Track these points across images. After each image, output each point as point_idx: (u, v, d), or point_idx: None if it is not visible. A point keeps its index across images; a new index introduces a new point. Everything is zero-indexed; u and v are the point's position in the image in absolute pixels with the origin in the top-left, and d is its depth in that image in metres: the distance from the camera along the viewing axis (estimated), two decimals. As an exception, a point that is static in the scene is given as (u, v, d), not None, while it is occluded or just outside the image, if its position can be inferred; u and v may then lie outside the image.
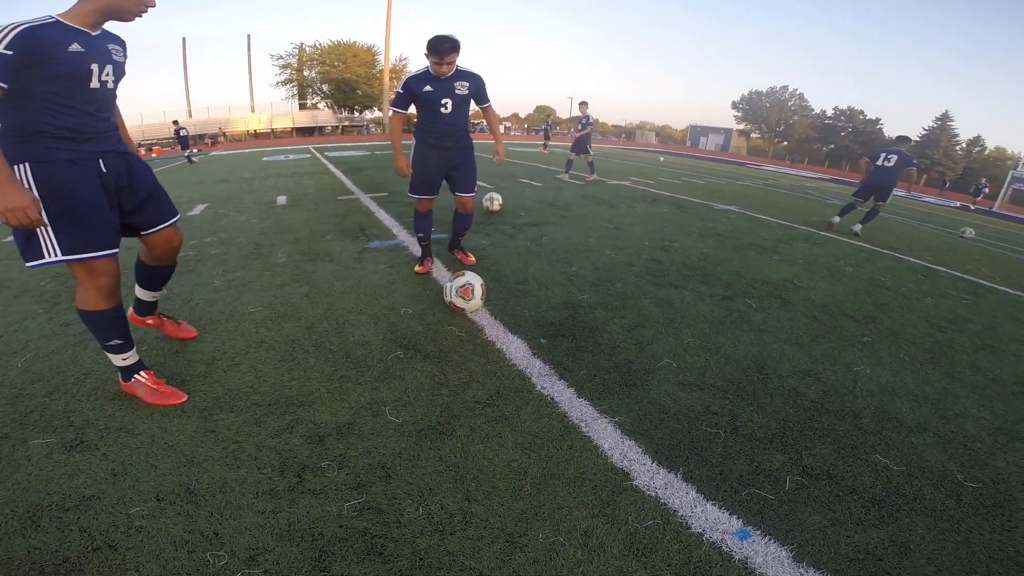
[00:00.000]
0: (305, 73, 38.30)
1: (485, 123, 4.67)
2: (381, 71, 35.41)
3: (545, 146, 22.56)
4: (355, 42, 38.49)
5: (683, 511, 1.63)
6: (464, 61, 3.27)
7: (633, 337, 2.86)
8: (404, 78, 3.32)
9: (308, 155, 16.75)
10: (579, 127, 10.83)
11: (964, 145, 47.75)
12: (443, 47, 3.06)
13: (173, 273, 2.41)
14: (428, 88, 3.19)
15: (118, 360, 2.04)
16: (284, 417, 2.01)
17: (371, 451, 1.83)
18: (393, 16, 29.70)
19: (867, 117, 52.82)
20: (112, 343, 1.98)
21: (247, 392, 2.17)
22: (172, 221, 2.20)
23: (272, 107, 38.50)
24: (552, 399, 2.20)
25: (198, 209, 6.47)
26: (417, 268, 3.78)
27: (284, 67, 38.02)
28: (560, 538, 1.50)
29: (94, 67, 1.72)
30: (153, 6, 1.83)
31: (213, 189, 8.70)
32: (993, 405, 2.53)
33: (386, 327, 2.81)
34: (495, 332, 2.81)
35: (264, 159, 16.08)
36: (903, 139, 7.10)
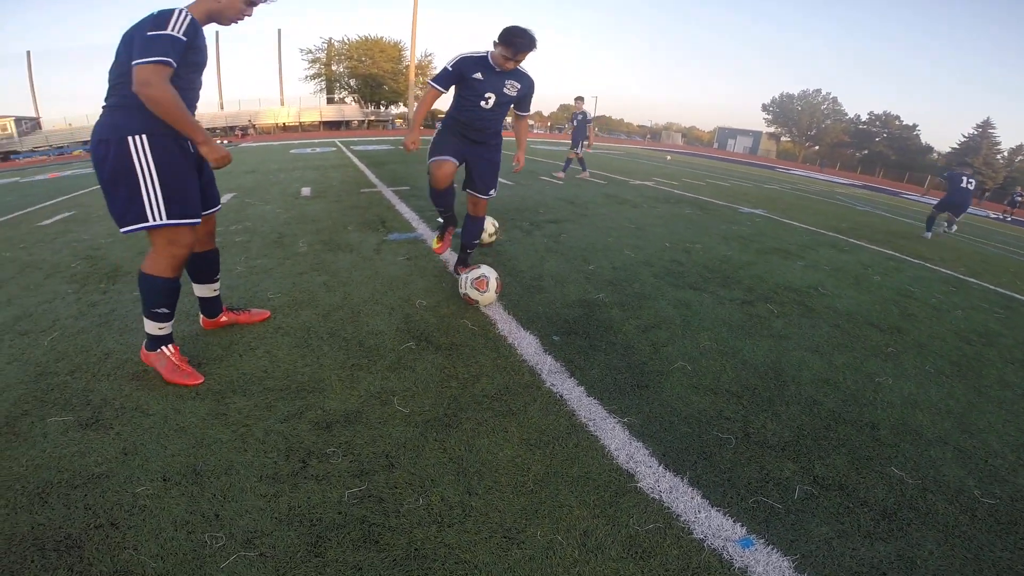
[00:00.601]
0: (333, 68, 38.67)
1: (511, 124, 3.52)
2: (407, 67, 35.61)
3: (586, 145, 22.11)
4: (382, 37, 38.78)
5: (686, 516, 1.59)
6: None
7: (648, 338, 2.82)
8: (459, 54, 2.94)
9: (334, 148, 16.96)
10: (572, 123, 10.56)
11: (1006, 154, 46.10)
12: (520, 42, 2.73)
13: (218, 258, 2.47)
14: (478, 75, 2.88)
15: (154, 328, 2.09)
16: (294, 403, 2.03)
17: (376, 440, 1.84)
18: (420, 12, 29.80)
19: (903, 123, 51.34)
20: (159, 310, 2.06)
21: (260, 377, 2.20)
22: (219, 207, 2.41)
23: (300, 101, 39.04)
24: (561, 396, 2.18)
25: (226, 198, 6.60)
26: (435, 245, 3.57)
27: (313, 61, 38.45)
28: (558, 537, 1.48)
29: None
30: (251, 16, 2.14)
31: (241, 180, 8.86)
32: (1020, 421, 2.44)
33: (400, 318, 2.83)
34: (508, 327, 2.80)
35: (291, 151, 16.34)
36: (967, 163, 7.44)
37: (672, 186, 10.68)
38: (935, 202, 8.97)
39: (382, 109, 41.08)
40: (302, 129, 36.21)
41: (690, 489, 1.71)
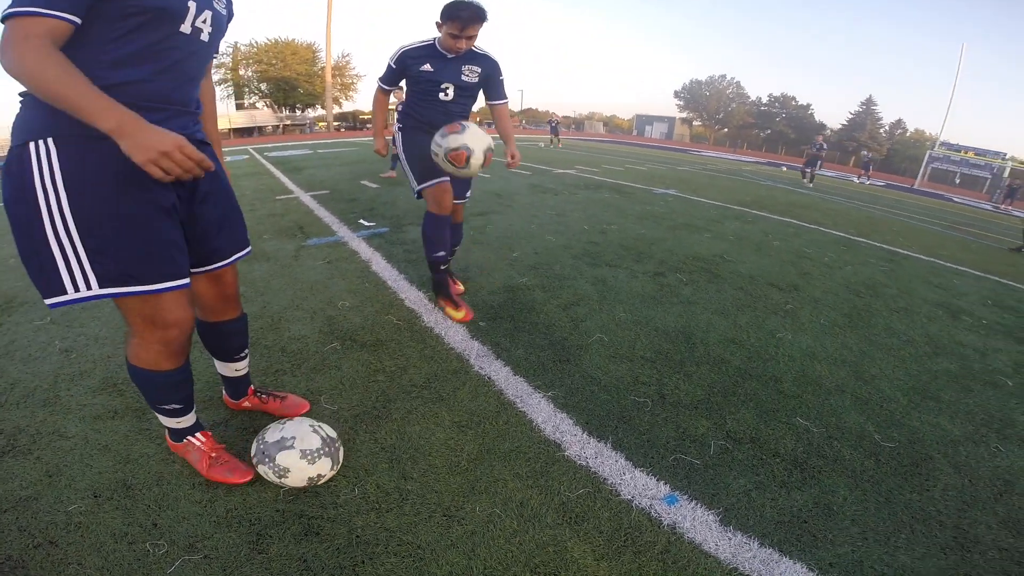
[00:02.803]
0: (241, 72, 36.78)
1: (494, 121, 3.05)
2: (323, 68, 34.45)
3: (556, 142, 21.82)
4: (294, 39, 37.28)
5: (612, 479, 1.69)
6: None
7: (568, 315, 2.94)
8: (400, 48, 2.59)
9: (246, 156, 16.09)
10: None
11: (887, 128, 50.65)
12: (465, 14, 2.34)
13: (245, 329, 1.81)
14: (427, 67, 2.52)
15: (170, 422, 1.60)
16: (219, 412, 1.97)
17: (305, 439, 1.82)
18: (334, 12, 28.89)
19: (799, 103, 55.24)
20: (168, 407, 1.53)
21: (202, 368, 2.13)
22: (243, 253, 1.63)
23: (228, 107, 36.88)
24: (489, 378, 2.24)
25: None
26: (456, 314, 2.78)
27: (218, 67, 36.43)
28: (496, 510, 1.54)
29: (191, 4, 1.21)
30: None
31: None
32: (907, 366, 2.71)
33: (323, 321, 2.78)
34: (434, 319, 2.82)
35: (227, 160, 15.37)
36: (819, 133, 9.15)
37: (593, 173, 11.00)
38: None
39: (298, 113, 39.50)
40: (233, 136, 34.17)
41: (614, 453, 1.81)
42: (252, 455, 1.58)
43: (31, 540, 1.40)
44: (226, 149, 21.27)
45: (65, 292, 1.22)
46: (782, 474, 1.78)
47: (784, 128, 53.77)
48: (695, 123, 61.42)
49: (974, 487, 1.81)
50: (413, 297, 3.13)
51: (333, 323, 2.76)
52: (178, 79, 1.28)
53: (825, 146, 14.45)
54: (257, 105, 38.41)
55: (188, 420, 1.61)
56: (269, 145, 22.21)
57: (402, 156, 2.74)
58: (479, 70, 2.62)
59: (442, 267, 2.83)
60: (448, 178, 2.66)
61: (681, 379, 2.33)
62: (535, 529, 1.49)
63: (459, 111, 2.70)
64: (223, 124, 34.84)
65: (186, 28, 1.23)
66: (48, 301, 1.22)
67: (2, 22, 1.04)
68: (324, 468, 1.54)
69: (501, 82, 2.74)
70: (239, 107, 37.79)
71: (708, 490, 1.68)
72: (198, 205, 1.43)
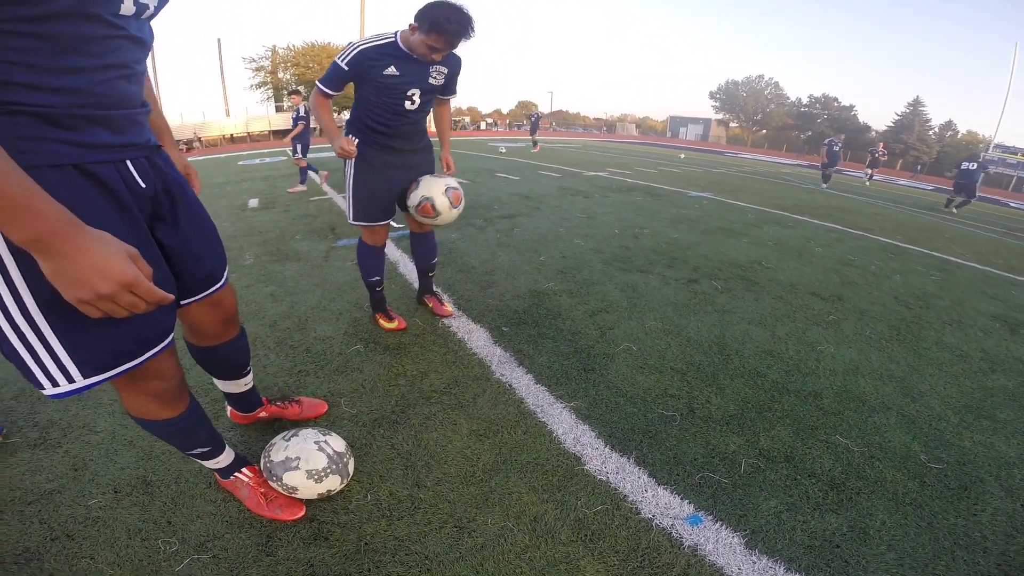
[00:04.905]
0: (280, 75, 37.79)
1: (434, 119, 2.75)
2: (358, 71, 35.18)
3: (536, 144, 18.39)
4: (329, 43, 38.10)
5: (634, 496, 1.61)
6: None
7: (595, 322, 2.85)
8: (355, 46, 2.15)
9: (284, 157, 16.54)
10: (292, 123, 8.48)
11: (937, 130, 48.50)
12: (453, 29, 1.99)
13: (247, 345, 1.64)
14: (391, 71, 2.13)
15: (209, 464, 1.47)
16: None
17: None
18: (367, 14, 29.44)
19: (841, 104, 53.45)
20: (195, 451, 1.39)
21: (207, 388, 2.12)
22: (223, 283, 1.38)
23: (247, 110, 37.88)
24: (510, 386, 2.18)
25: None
26: (392, 325, 2.69)
27: (257, 70, 37.47)
28: (509, 523, 1.49)
29: None
30: None
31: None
32: (959, 382, 2.53)
33: (348, 322, 2.78)
34: (458, 322, 2.78)
35: (239, 163, 15.83)
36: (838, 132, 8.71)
37: (624, 175, 10.84)
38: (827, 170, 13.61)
39: (335, 115, 40.44)
40: (251, 139, 35.16)
41: (636, 469, 1.73)
42: (260, 469, 1.55)
43: (50, 533, 1.43)
44: (265, 150, 21.93)
45: (43, 387, 0.95)
46: (816, 496, 1.67)
47: (826, 130, 52.01)
48: (731, 125, 60.09)
49: None
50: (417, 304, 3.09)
51: (358, 325, 2.75)
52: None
53: (840, 144, 13.95)
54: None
55: (227, 458, 1.49)
56: (312, 146, 22.73)
57: (349, 183, 2.40)
58: (446, 70, 2.29)
59: (378, 289, 2.69)
60: (385, 223, 2.48)
61: (713, 393, 2.22)
62: (548, 545, 1.42)
63: (421, 119, 2.39)
64: (263, 126, 35.98)
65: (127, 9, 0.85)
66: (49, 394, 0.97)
67: None
68: (333, 484, 1.51)
69: (457, 78, 2.45)
70: (278, 109, 38.84)
71: (735, 511, 1.58)
72: (177, 232, 1.16)
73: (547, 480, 1.66)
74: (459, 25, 2.00)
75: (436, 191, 2.38)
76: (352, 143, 2.19)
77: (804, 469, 1.79)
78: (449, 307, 2.94)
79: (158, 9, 0.96)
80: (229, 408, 1.87)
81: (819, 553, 1.45)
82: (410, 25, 2.09)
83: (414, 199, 2.39)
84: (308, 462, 1.47)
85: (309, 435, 1.54)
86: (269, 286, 3.37)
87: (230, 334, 1.52)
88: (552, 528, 1.48)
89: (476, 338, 2.61)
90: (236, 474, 1.54)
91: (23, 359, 0.91)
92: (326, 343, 2.54)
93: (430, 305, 2.95)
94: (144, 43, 0.95)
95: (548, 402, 2.08)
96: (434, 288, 3.04)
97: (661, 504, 1.59)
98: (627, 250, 4.42)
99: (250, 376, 1.73)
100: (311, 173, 8.70)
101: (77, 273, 0.73)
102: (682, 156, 21.59)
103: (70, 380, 0.95)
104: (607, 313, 3.00)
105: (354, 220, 2.43)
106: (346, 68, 2.13)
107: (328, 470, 1.48)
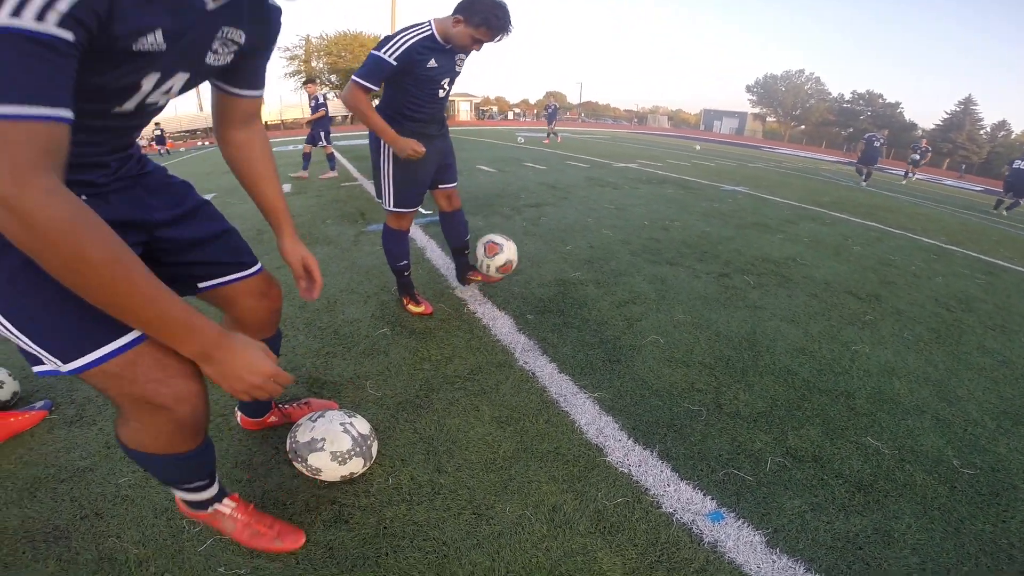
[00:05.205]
0: (313, 64, 38.24)
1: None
2: (391, 59, 35.33)
3: (549, 135, 18.15)
4: (361, 32, 38.36)
5: (655, 490, 1.58)
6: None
7: (622, 314, 2.81)
8: (403, 40, 2.15)
9: (292, 147, 16.78)
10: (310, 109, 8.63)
11: (988, 129, 46.38)
12: (502, 24, 2.15)
13: (279, 346, 1.59)
14: (433, 63, 2.21)
15: (191, 496, 1.25)
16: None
17: (348, 424, 1.82)
18: (399, 3, 29.41)
19: (886, 101, 51.51)
20: (195, 484, 1.22)
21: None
22: (252, 271, 1.34)
23: (281, 99, 38.64)
24: (533, 374, 2.17)
25: (207, 198, 6.51)
26: (419, 309, 2.71)
27: (291, 59, 38.00)
28: (527, 512, 1.47)
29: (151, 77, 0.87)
30: None
31: (221, 180, 8.73)
32: (1000, 388, 2.43)
33: (376, 305, 2.80)
34: (483, 309, 2.78)
35: (273, 149, 16.14)
36: (879, 127, 8.16)
37: (655, 167, 10.66)
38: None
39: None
40: (284, 127, 35.78)
41: (659, 462, 1.70)
42: (287, 450, 1.54)
43: (79, 511, 1.46)
44: (299, 138, 22.28)
45: (40, 362, 0.91)
46: (843, 497, 1.62)
47: (869, 127, 50.35)
48: (769, 119, 58.50)
49: None
50: (465, 287, 3.09)
51: (385, 308, 2.77)
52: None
53: (883, 141, 12.82)
54: (328, 96, 39.89)
55: (213, 489, 1.28)
56: (338, 134, 23.03)
57: (387, 171, 2.44)
58: (464, 57, 2.38)
59: (406, 273, 2.73)
60: (416, 208, 2.56)
61: (742, 389, 2.17)
62: (565, 536, 1.41)
63: (444, 105, 2.47)
64: (296, 114, 36.50)
65: (129, 107, 0.90)
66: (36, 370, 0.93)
67: None
68: (356, 466, 1.51)
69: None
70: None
71: (759, 509, 1.54)
72: (192, 224, 1.23)
73: (567, 470, 1.64)
74: (506, 21, 2.15)
75: (515, 254, 2.87)
76: (419, 144, 2.30)
77: (832, 469, 1.74)
78: (480, 275, 2.97)
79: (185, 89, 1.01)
80: (239, 414, 1.79)
81: (841, 554, 1.42)
82: (454, 18, 2.16)
83: (499, 260, 2.79)
84: (333, 443, 1.46)
85: (335, 417, 1.53)
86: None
87: (269, 331, 1.46)
88: (570, 518, 1.46)
89: (500, 325, 2.60)
90: (217, 506, 1.30)
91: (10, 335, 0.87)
92: (353, 325, 2.57)
93: (479, 279, 2.95)
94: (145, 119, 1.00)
95: (571, 392, 2.06)
96: (471, 263, 3.00)
97: (683, 499, 1.56)
98: (657, 242, 4.35)
99: None
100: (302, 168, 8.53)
101: (234, 372, 0.89)
102: (697, 148, 21.03)
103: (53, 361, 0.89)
104: (634, 305, 2.95)
105: (395, 207, 2.49)
106: (394, 63, 2.13)
107: (352, 452, 1.49)
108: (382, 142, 2.38)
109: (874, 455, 1.84)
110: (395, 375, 2.14)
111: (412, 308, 2.73)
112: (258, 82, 1.22)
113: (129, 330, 0.90)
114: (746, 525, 1.48)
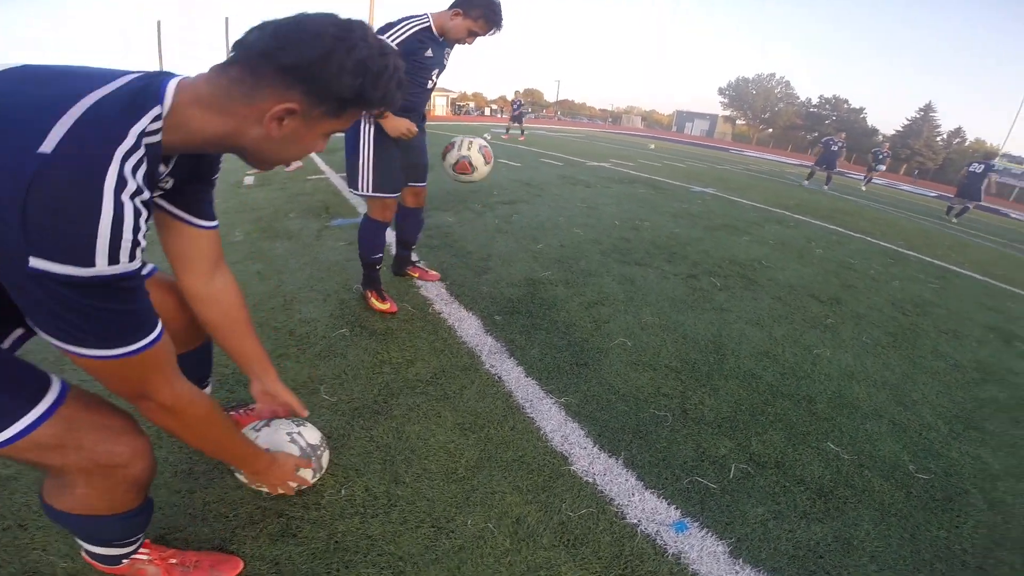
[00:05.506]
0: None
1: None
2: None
3: (508, 131, 16.96)
4: (338, 18, 37.58)
5: (620, 499, 1.55)
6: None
7: (591, 315, 2.78)
8: (407, 26, 2.24)
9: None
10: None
11: (945, 136, 48.35)
12: (501, 21, 2.31)
13: (211, 355, 1.53)
14: (429, 53, 2.31)
15: (111, 551, 1.11)
16: (215, 395, 1.90)
17: (299, 431, 1.74)
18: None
19: (851, 106, 53.16)
20: (129, 539, 1.12)
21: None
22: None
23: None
24: (499, 378, 2.11)
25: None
26: (384, 307, 2.63)
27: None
28: (490, 525, 1.42)
29: None
30: None
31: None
32: (952, 392, 2.51)
33: (335, 304, 2.69)
34: (449, 309, 2.70)
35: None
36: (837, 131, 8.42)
37: (628, 167, 10.72)
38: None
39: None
40: None
41: (624, 471, 1.67)
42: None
43: (2, 522, 1.34)
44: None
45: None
46: (804, 504, 1.63)
47: (833, 132, 52.00)
48: (739, 122, 59.73)
49: (1007, 525, 1.69)
50: (430, 284, 3.01)
51: (345, 307, 2.66)
52: None
53: (841, 145, 12.38)
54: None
55: (135, 541, 1.14)
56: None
57: (364, 150, 2.39)
58: (450, 51, 2.51)
59: (378, 267, 2.68)
60: (398, 194, 2.55)
61: (707, 393, 2.16)
62: (528, 550, 1.36)
63: (428, 97, 2.57)
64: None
65: None
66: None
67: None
68: (304, 478, 1.41)
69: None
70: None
71: (722, 518, 1.54)
72: None
73: (532, 480, 1.60)
74: (501, 16, 2.30)
75: (473, 149, 2.68)
76: (412, 123, 2.36)
77: (794, 476, 1.75)
78: (434, 273, 3.05)
79: None
80: None
81: (803, 563, 1.42)
82: (452, 11, 2.29)
83: (451, 158, 2.66)
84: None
85: (281, 425, 1.40)
86: (257, 264, 3.28)
87: (197, 340, 1.36)
88: (534, 531, 1.42)
89: (467, 326, 2.53)
90: (134, 556, 1.16)
91: None
92: (310, 325, 2.46)
93: (415, 276, 2.99)
94: None
95: (538, 396, 2.01)
96: (414, 257, 3.02)
97: (647, 509, 1.53)
98: (627, 242, 4.34)
99: (209, 388, 1.58)
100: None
101: (273, 481, 1.26)
102: (652, 147, 21.26)
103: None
104: (603, 306, 2.92)
105: (374, 192, 2.44)
106: (397, 48, 2.18)
107: (300, 465, 1.40)
108: (362, 125, 2.36)
109: (834, 461, 1.85)
110: (352, 379, 2.05)
111: (376, 304, 2.65)
112: (210, 212, 1.17)
113: (45, 393, 0.85)
114: (710, 535, 1.47)
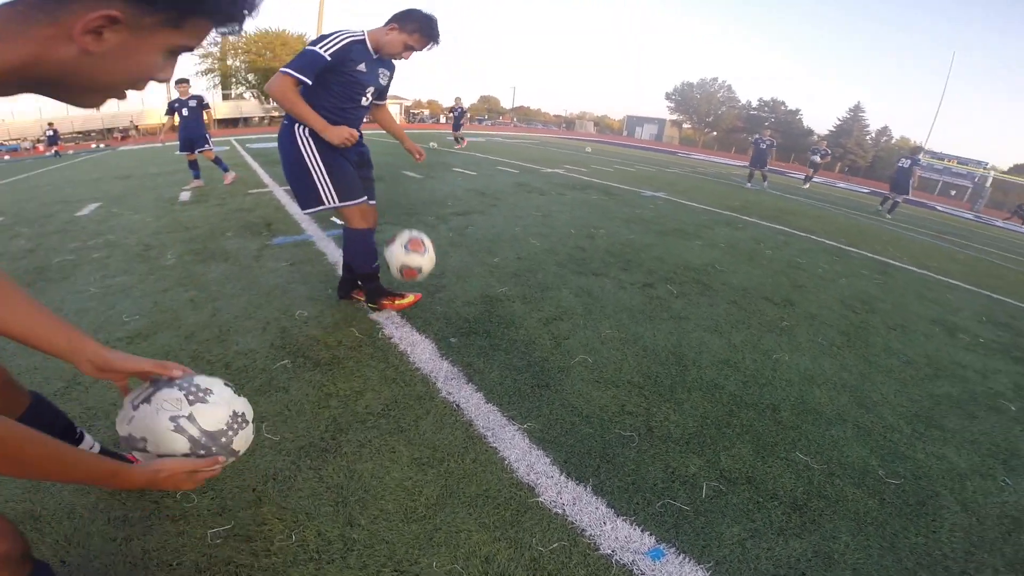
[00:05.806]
0: (228, 63, 35.85)
1: (374, 116, 2.73)
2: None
3: (459, 140, 16.00)
4: (285, 30, 36.42)
5: (591, 530, 1.47)
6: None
7: (550, 331, 2.70)
8: (341, 36, 2.22)
9: (227, 147, 15.68)
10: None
11: (874, 135, 51.21)
12: (439, 36, 2.32)
13: (52, 409, 1.36)
14: (362, 67, 2.28)
15: None
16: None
17: (241, 472, 1.58)
18: (327, 3, 28.26)
19: (788, 108, 55.63)
20: None
21: (107, 411, 1.85)
22: None
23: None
24: (457, 406, 2.00)
25: (88, 209, 5.78)
26: (410, 299, 2.68)
27: (204, 56, 35.39)
28: (457, 566, 1.32)
29: None
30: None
31: (110, 186, 7.90)
32: (908, 390, 2.55)
33: (275, 333, 2.51)
34: (400, 332, 2.57)
35: (177, 153, 14.89)
36: (765, 128, 8.73)
37: (581, 172, 10.79)
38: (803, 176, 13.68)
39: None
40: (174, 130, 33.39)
41: (594, 499, 1.59)
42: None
43: None
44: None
45: None
46: (780, 519, 1.59)
47: (772, 134, 54.24)
48: (685, 126, 61.60)
49: (982, 526, 1.69)
50: (339, 300, 2.90)
51: (287, 336, 2.49)
52: None
53: (771, 143, 13.37)
54: (244, 96, 37.60)
55: None
56: (252, 136, 21.75)
57: (313, 164, 2.34)
58: (389, 73, 2.51)
59: (378, 275, 2.68)
60: (367, 198, 2.54)
61: (671, 408, 2.11)
62: (500, 592, 1.26)
63: (363, 117, 2.54)
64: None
65: None
66: None
67: None
68: (210, 470, 0.99)
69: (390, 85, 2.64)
70: (225, 97, 37.02)
71: (698, 541, 1.48)
72: None
73: (499, 515, 1.49)
74: (437, 31, 2.30)
75: (429, 267, 2.60)
76: (351, 129, 2.30)
77: (766, 491, 1.71)
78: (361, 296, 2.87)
79: None
80: None
81: (785, 582, 1.37)
82: (388, 26, 2.28)
83: (414, 260, 2.55)
84: (158, 447, 0.94)
85: (164, 405, 0.95)
86: (190, 290, 3.05)
87: (19, 404, 1.18)
88: (505, 570, 1.32)
89: (420, 351, 2.40)
90: None
91: None
92: (248, 357, 2.28)
93: (360, 299, 2.85)
94: None
95: (500, 424, 1.91)
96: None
97: (621, 537, 1.45)
98: (582, 251, 4.30)
99: (90, 438, 1.44)
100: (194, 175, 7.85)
101: (167, 487, 0.92)
102: (588, 150, 21.59)
103: None
104: (562, 321, 2.85)
105: (342, 200, 2.41)
106: (328, 58, 2.18)
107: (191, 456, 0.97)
108: (300, 141, 2.34)
109: (804, 471, 1.83)
110: (296, 415, 1.89)
111: (400, 303, 2.66)
112: None
113: None
114: (687, 560, 1.41)
